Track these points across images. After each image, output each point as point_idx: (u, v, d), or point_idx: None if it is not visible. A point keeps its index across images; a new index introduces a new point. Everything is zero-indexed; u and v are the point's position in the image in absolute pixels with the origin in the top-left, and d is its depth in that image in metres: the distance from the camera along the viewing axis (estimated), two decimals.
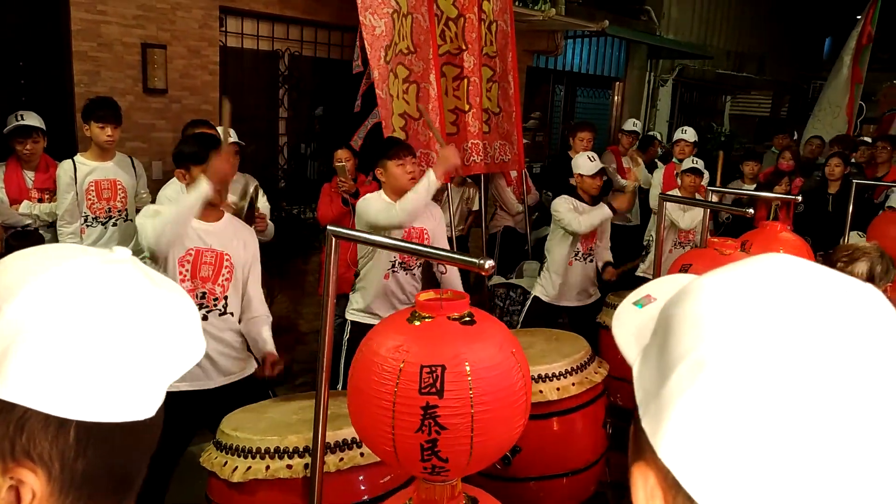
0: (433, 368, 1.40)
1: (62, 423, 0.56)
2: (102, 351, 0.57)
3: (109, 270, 0.61)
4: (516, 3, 5.51)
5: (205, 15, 4.82)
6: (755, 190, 5.46)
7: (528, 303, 4.21)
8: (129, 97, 4.34)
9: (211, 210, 2.52)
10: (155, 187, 3.94)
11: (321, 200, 4.36)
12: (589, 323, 3.68)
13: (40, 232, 3.62)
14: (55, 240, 3.63)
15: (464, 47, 4.71)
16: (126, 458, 0.62)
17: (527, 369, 1.57)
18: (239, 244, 2.60)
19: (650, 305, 0.55)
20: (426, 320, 1.54)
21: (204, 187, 2.36)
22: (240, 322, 2.61)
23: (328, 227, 1.74)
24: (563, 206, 3.94)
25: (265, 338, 2.57)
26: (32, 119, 3.67)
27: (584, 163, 4.02)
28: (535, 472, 2.46)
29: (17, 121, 3.63)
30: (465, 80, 4.73)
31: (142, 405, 0.61)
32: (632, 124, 6.21)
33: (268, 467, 1.83)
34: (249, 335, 2.62)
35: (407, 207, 2.98)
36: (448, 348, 1.45)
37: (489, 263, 1.55)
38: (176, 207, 2.42)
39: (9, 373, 0.54)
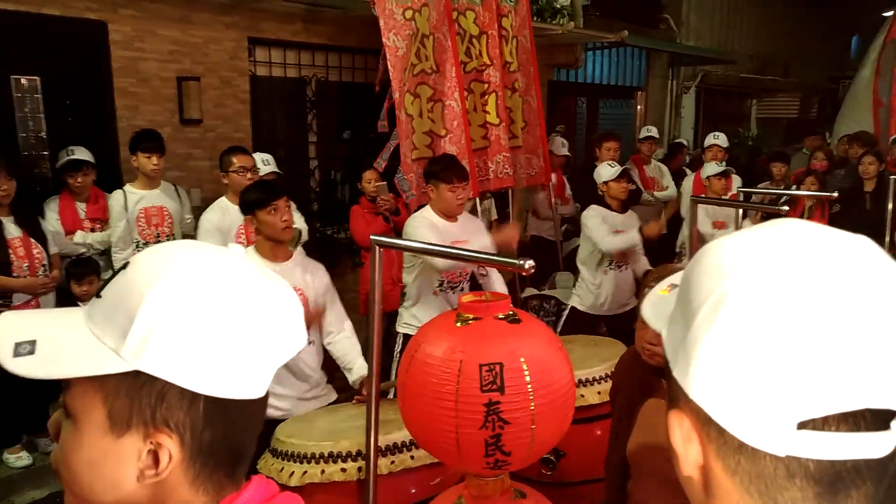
0: (492, 366, 1.47)
1: (194, 397, 0.64)
2: (227, 333, 0.64)
3: (230, 263, 0.68)
4: (535, 19, 5.62)
5: (235, 46, 5.00)
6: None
7: (566, 313, 4.25)
8: (167, 128, 4.52)
9: (279, 249, 2.65)
10: (196, 213, 4.09)
11: (355, 222, 4.46)
12: (628, 329, 3.71)
13: (94, 259, 3.79)
14: (109, 266, 3.80)
15: (489, 63, 4.81)
16: (241, 434, 0.69)
17: (571, 365, 1.64)
18: (310, 277, 2.73)
19: (675, 291, 0.59)
20: (474, 321, 1.61)
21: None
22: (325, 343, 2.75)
23: (372, 237, 1.82)
24: (593, 220, 3.98)
25: (353, 356, 2.68)
26: (82, 153, 3.85)
27: (605, 170, 4.08)
28: (580, 477, 2.49)
29: (68, 156, 3.81)
30: (494, 95, 4.82)
31: (256, 385, 0.68)
32: (646, 131, 6.25)
33: (323, 471, 1.90)
34: (337, 352, 2.72)
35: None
36: (502, 346, 1.51)
37: (529, 263, 1.61)
38: None
39: (153, 350, 0.62)
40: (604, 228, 3.91)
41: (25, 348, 0.63)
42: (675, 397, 0.54)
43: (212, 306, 0.64)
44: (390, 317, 3.62)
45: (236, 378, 0.66)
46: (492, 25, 4.84)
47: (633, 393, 1.66)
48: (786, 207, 2.88)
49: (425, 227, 3.16)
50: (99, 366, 0.62)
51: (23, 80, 4.22)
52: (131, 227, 3.83)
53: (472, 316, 1.63)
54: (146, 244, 3.88)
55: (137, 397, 0.63)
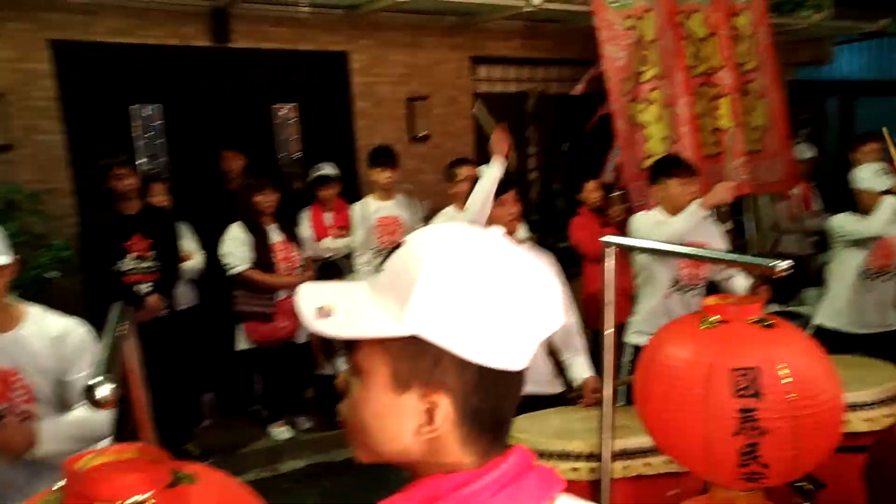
0: (746, 371, 1.37)
1: (465, 364, 0.69)
2: (496, 305, 0.69)
3: (495, 240, 0.73)
4: (773, 14, 5.17)
5: (459, 66, 5.28)
6: None
7: (812, 332, 3.82)
8: (399, 145, 4.88)
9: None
10: (426, 223, 4.36)
11: (578, 233, 4.40)
12: (892, 352, 3.23)
13: (338, 263, 4.22)
14: (351, 269, 4.21)
15: (720, 65, 4.53)
16: (504, 403, 0.73)
17: (838, 378, 1.46)
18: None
19: None
20: (721, 324, 1.51)
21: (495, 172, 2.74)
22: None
23: (603, 239, 1.80)
24: (845, 219, 3.55)
25: (573, 352, 2.67)
26: (329, 169, 4.31)
27: (868, 176, 3.59)
28: None
29: (318, 171, 4.29)
30: (727, 98, 4.53)
31: (520, 357, 0.72)
32: None
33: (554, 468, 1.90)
34: (556, 342, 2.72)
35: (676, 229, 2.93)
36: (757, 350, 1.40)
37: (783, 265, 1.48)
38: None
39: (429, 318, 0.68)
40: (863, 221, 3.47)
41: (324, 312, 0.73)
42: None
43: (483, 279, 0.69)
44: (617, 330, 3.52)
45: (503, 348, 0.70)
46: (722, 25, 4.55)
47: None
48: None
49: (653, 224, 3.04)
50: (383, 330, 0.69)
51: (282, 109, 4.85)
52: (370, 235, 4.20)
53: (718, 318, 1.53)
54: (382, 251, 4.22)
55: (416, 360, 0.69)
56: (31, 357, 1.88)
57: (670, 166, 3.14)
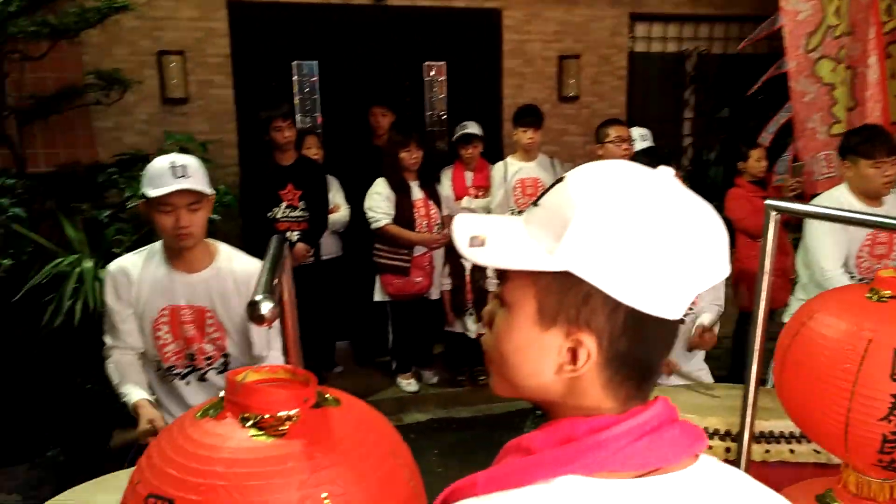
0: None
1: (616, 305, 0.65)
2: (655, 247, 0.64)
3: (662, 180, 0.67)
4: None
5: (616, 23, 5.02)
6: None
7: None
8: (546, 105, 4.76)
9: None
10: None
11: (735, 204, 4.05)
12: None
13: None
14: None
15: None
16: (652, 351, 0.68)
17: None
18: None
19: None
20: (893, 299, 1.32)
21: None
22: None
23: (767, 203, 1.62)
24: None
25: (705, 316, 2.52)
26: (473, 128, 4.30)
27: None
28: None
29: (462, 130, 4.29)
30: None
31: (676, 306, 0.66)
32: None
33: None
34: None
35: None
36: None
37: None
38: None
39: (583, 254, 0.64)
40: None
41: (477, 241, 0.72)
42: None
43: (643, 218, 0.64)
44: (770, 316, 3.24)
45: (658, 294, 0.65)
46: None
47: None
48: None
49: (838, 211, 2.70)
50: (535, 263, 0.67)
51: (432, 67, 4.88)
52: (508, 196, 4.15)
53: (890, 293, 1.34)
54: (520, 212, 4.16)
55: (565, 296, 0.66)
56: (222, 296, 1.98)
57: (863, 143, 2.76)
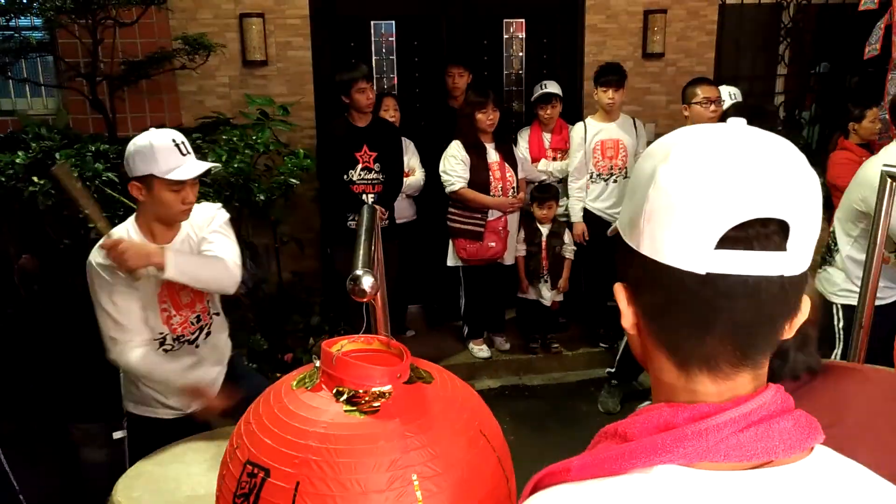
0: None
1: (631, 251, 0.65)
2: (663, 188, 0.61)
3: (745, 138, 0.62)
4: None
5: None
6: None
7: None
8: (629, 63, 4.55)
9: None
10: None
11: (841, 169, 3.73)
12: None
13: (555, 186, 4.13)
14: (565, 193, 4.11)
15: None
16: (740, 324, 0.62)
17: None
18: None
19: None
20: None
21: None
22: None
23: (884, 168, 1.49)
24: None
25: None
26: (553, 87, 4.17)
27: None
28: None
29: (541, 89, 4.17)
30: None
31: (688, 254, 0.60)
32: None
33: None
34: None
35: None
36: None
37: None
38: None
39: (636, 226, 0.64)
40: None
41: None
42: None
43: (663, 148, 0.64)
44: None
45: (664, 238, 0.62)
46: None
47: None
48: None
49: None
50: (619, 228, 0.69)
51: (511, 24, 4.74)
52: (588, 158, 4.03)
53: None
54: (599, 175, 4.05)
55: (624, 255, 0.68)
56: (197, 250, 2.06)
57: None
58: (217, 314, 2.23)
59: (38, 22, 3.63)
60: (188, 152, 1.94)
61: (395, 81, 4.67)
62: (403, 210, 4.13)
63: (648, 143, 4.12)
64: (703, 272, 0.59)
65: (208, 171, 2.06)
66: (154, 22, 3.89)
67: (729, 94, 3.81)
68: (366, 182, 3.81)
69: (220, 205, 2.17)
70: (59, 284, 3.05)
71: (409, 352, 1.13)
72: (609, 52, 4.61)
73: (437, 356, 4.12)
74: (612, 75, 3.93)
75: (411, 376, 1.10)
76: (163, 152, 1.89)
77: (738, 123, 0.65)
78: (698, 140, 0.62)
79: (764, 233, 0.58)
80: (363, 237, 1.19)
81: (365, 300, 1.09)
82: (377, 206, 3.77)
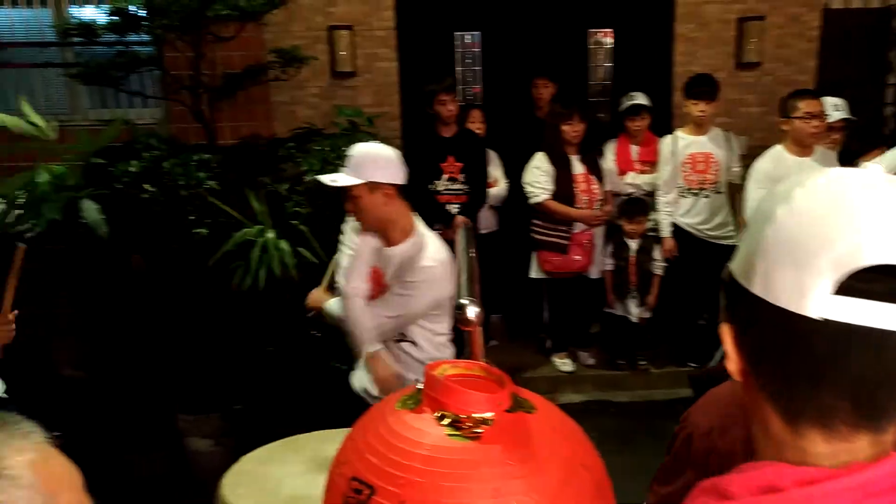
0: None
1: (741, 289, 0.63)
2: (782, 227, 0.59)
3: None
4: None
5: None
6: None
7: None
8: (722, 73, 4.40)
9: None
10: (743, 162, 3.92)
11: None
12: None
13: (644, 200, 4.04)
14: (653, 207, 4.00)
15: None
16: (869, 379, 0.57)
17: None
18: None
19: None
20: None
21: None
22: None
23: None
24: None
25: None
26: (641, 98, 4.08)
27: None
28: None
29: (630, 101, 4.08)
30: None
31: (802, 296, 0.57)
32: None
33: None
34: None
35: None
36: None
37: None
38: None
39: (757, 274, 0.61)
40: None
41: None
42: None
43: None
44: None
45: (779, 278, 0.59)
46: None
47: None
48: None
49: None
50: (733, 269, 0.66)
51: (597, 34, 4.67)
52: (677, 172, 3.91)
53: None
54: (689, 189, 3.92)
55: (729, 293, 0.67)
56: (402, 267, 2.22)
57: None
58: None
59: (145, 38, 3.86)
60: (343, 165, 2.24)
61: (480, 91, 4.68)
62: (486, 220, 4.14)
63: (741, 157, 4.00)
64: (818, 317, 0.55)
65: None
66: (250, 35, 4.06)
67: (834, 107, 3.62)
68: (451, 192, 3.84)
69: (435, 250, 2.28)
70: (166, 284, 3.23)
71: (511, 379, 1.13)
72: (700, 61, 4.46)
73: (519, 367, 4.10)
74: (703, 87, 3.81)
75: (513, 405, 1.09)
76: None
77: (874, 169, 0.61)
78: (823, 179, 0.60)
79: (891, 283, 0.54)
80: (464, 265, 1.20)
81: (470, 329, 1.10)
82: (461, 217, 3.82)
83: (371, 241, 2.25)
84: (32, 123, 3.12)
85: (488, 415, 1.05)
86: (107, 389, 3.19)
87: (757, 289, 0.59)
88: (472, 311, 1.10)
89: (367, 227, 2.23)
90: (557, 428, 1.09)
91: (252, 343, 2.34)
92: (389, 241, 2.23)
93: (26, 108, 3.18)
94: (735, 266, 0.64)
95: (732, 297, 0.63)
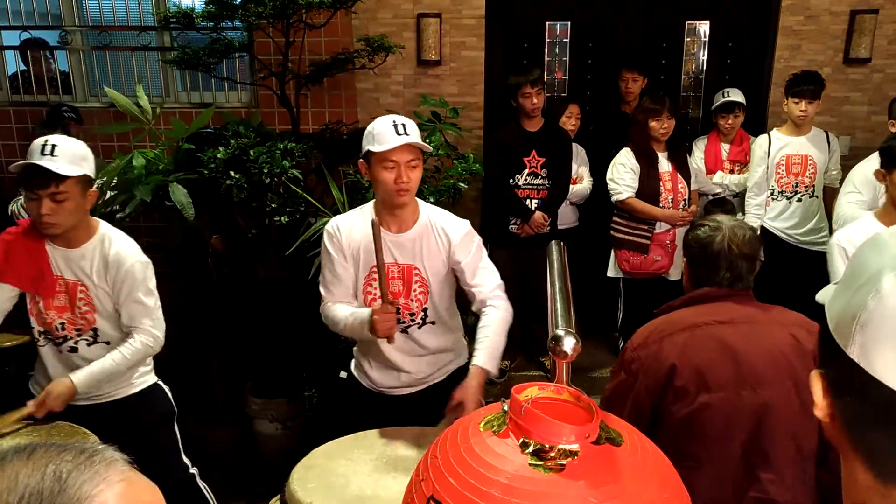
0: None
1: (838, 349, 0.58)
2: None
3: None
4: None
5: None
6: None
7: None
8: (827, 69, 4.13)
9: None
10: (844, 164, 3.68)
11: None
12: None
13: (731, 201, 3.86)
14: (741, 209, 3.82)
15: None
16: None
17: None
18: None
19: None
20: None
21: None
22: None
23: None
24: None
25: None
26: (737, 95, 3.89)
27: None
28: None
29: (724, 97, 3.90)
30: None
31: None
32: None
33: None
34: None
35: None
36: None
37: None
38: None
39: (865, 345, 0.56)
40: None
41: None
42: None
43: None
44: None
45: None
46: None
47: None
48: None
49: None
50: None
51: (694, 26, 4.46)
52: (769, 174, 3.71)
53: None
54: (781, 192, 3.72)
55: (824, 346, 0.64)
56: (428, 254, 2.09)
57: None
58: (422, 326, 2.21)
59: (237, 24, 3.95)
60: (405, 133, 1.99)
61: (567, 82, 4.57)
62: (566, 216, 4.06)
63: (842, 157, 3.75)
64: None
65: (421, 153, 2.06)
66: (339, 22, 4.09)
67: None
68: (531, 187, 3.78)
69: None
70: (245, 269, 3.33)
71: (596, 406, 1.09)
72: (803, 56, 4.20)
73: (591, 366, 4.03)
74: (807, 85, 3.58)
75: (600, 435, 1.06)
76: (380, 130, 2.01)
77: None
78: None
79: None
80: (558, 289, 1.16)
81: (566, 361, 1.06)
82: (540, 213, 3.75)
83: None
84: (139, 105, 3.26)
85: (574, 447, 1.02)
86: (182, 365, 3.32)
87: (854, 354, 0.56)
88: (569, 344, 1.06)
89: (408, 202, 2.10)
90: (645, 462, 1.06)
91: (322, 332, 2.37)
92: (402, 226, 2.13)
93: (139, 92, 3.32)
94: (830, 316, 0.61)
95: (827, 349, 0.60)
